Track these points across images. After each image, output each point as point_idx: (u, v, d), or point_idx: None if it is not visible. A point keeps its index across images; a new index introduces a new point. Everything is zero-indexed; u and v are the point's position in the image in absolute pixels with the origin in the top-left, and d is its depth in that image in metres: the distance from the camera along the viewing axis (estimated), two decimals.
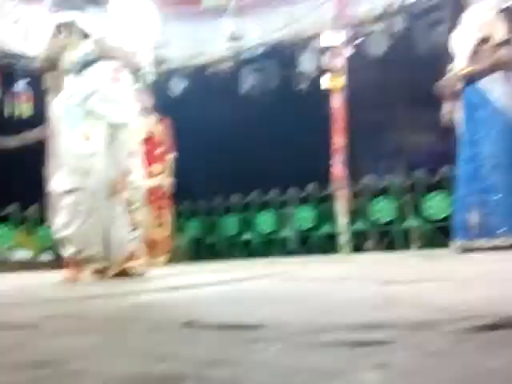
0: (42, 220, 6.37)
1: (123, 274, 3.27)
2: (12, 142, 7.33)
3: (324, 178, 6.63)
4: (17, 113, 6.31)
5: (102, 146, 3.21)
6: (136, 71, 3.45)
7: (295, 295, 1.77)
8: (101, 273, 3.24)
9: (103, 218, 3.18)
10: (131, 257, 3.37)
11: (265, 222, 7.15)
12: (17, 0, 6.34)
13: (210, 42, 7.11)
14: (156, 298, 1.92)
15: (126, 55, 3.38)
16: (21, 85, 6.31)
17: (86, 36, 3.28)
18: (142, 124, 5.73)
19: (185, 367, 0.71)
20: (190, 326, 1.06)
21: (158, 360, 0.77)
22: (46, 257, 6.52)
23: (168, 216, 6.31)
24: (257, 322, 1.05)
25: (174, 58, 7.18)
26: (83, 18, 3.30)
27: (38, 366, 0.75)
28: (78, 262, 3.20)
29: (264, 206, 7.30)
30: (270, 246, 7.00)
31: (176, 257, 7.14)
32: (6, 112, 6.24)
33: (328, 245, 6.72)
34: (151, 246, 6.13)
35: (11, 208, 6.03)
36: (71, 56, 3.24)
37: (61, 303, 1.87)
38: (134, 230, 3.32)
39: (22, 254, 6.41)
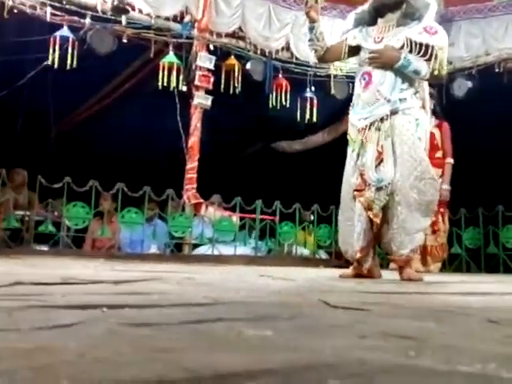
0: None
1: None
2: (297, 145, 7.91)
3: None
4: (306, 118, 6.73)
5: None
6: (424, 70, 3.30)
7: None
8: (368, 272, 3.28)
9: (349, 219, 3.30)
10: (406, 261, 3.25)
11: None
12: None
13: (501, 39, 6.63)
14: (456, 299, 1.86)
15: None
16: (310, 91, 6.71)
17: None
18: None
19: None
20: None
21: None
22: (323, 254, 6.86)
23: (444, 223, 6.11)
24: None
25: (459, 57, 6.87)
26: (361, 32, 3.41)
27: (405, 338, 0.79)
28: (348, 261, 3.43)
29: None
30: None
31: (450, 266, 6.84)
32: (298, 117, 6.69)
33: None
34: (425, 253, 6.02)
35: (295, 207, 6.44)
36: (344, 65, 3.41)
37: (360, 293, 1.94)
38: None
39: (302, 251, 6.84)
